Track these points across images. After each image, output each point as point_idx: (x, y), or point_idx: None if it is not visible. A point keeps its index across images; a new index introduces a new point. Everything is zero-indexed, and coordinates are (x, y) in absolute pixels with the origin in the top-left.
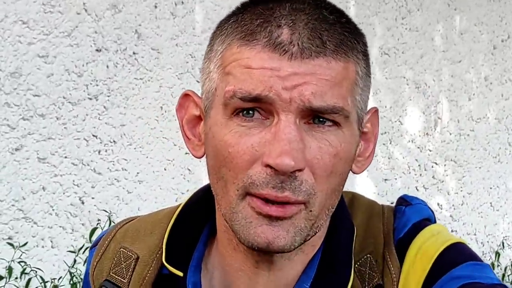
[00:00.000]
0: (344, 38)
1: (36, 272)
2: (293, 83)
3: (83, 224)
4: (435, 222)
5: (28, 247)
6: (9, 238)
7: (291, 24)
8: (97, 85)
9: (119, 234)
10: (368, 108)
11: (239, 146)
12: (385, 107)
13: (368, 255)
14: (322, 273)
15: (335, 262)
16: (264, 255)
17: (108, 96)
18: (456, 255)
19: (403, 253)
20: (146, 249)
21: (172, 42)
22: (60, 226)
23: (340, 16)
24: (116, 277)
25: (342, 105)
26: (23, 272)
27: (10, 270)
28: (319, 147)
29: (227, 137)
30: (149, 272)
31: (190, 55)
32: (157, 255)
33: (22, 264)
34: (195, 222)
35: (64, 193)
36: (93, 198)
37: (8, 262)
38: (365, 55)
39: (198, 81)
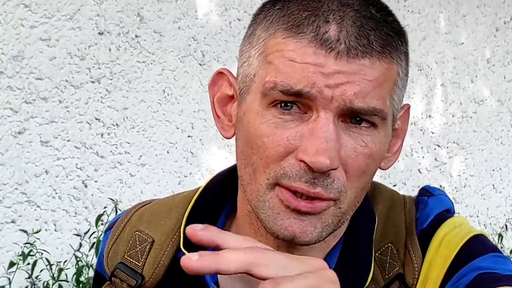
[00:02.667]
0: (390, 38)
1: (42, 254)
2: (336, 82)
3: (86, 208)
4: (454, 212)
5: (31, 230)
6: (13, 222)
7: (339, 20)
8: (99, 68)
9: (134, 217)
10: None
11: (274, 137)
12: None
13: (389, 244)
14: (342, 263)
15: (356, 252)
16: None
17: (111, 79)
18: (478, 246)
19: (426, 243)
20: (162, 233)
21: (175, 25)
22: (63, 210)
23: (387, 15)
24: (131, 260)
25: (382, 107)
26: (28, 254)
27: (23, 255)
28: (354, 147)
29: (262, 126)
30: (164, 256)
31: (193, 37)
32: (173, 239)
33: (28, 246)
34: (213, 207)
35: (67, 177)
36: (96, 181)
37: (21, 247)
38: (407, 55)
39: (200, 64)
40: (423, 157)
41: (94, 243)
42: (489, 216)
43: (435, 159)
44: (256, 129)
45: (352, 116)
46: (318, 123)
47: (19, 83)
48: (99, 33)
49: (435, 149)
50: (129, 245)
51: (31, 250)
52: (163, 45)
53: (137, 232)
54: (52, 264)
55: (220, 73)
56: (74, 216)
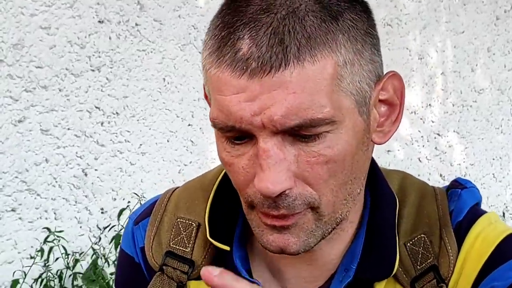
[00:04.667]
0: (313, 31)
1: (59, 240)
2: (261, 106)
3: (86, 196)
4: (480, 205)
5: (31, 219)
6: (13, 210)
7: (253, 32)
8: (99, 56)
9: (170, 206)
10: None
11: (234, 167)
12: None
13: (422, 235)
14: (368, 251)
15: (380, 239)
16: None
17: (111, 67)
18: (511, 247)
19: (462, 237)
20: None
21: (175, 13)
22: (64, 198)
23: (317, 1)
24: (178, 247)
25: (322, 115)
26: (45, 241)
27: (42, 251)
28: (306, 161)
29: (223, 155)
30: None
31: (193, 26)
32: None
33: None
34: (236, 195)
35: (67, 165)
36: (96, 170)
37: (41, 243)
38: (351, 32)
39: (200, 53)
40: (423, 146)
41: (112, 232)
42: (489, 205)
43: (435, 148)
44: (220, 156)
45: (293, 132)
46: (258, 150)
47: (19, 71)
48: (99, 22)
49: (435, 138)
50: (172, 233)
51: (47, 237)
52: (163, 33)
53: (178, 220)
54: (69, 254)
55: (204, 87)
56: (74, 205)
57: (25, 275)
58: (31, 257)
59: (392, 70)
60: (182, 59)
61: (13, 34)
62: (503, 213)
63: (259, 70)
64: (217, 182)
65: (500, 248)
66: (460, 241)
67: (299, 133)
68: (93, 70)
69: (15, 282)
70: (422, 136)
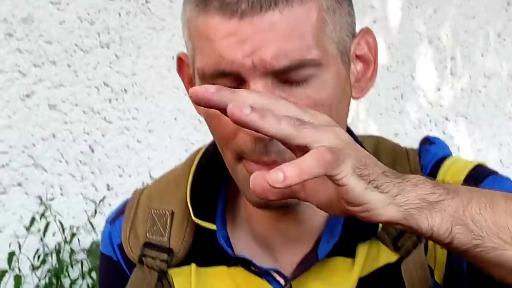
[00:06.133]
0: None
1: (55, 216)
2: (252, 47)
3: (92, 173)
4: None
5: (37, 193)
6: (19, 185)
7: None
8: (109, 33)
9: (142, 200)
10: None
11: (220, 119)
12: (398, 61)
13: None
14: None
15: None
16: None
17: (120, 44)
18: (480, 173)
19: None
20: (179, 203)
21: None
22: (70, 174)
23: None
24: (154, 237)
25: (310, 56)
26: (42, 215)
27: (32, 220)
28: (296, 105)
29: (209, 109)
30: (189, 223)
31: None
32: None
33: (41, 210)
34: (215, 175)
35: (74, 141)
36: (103, 146)
37: (35, 213)
38: None
39: None
40: (431, 130)
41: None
42: None
43: (443, 132)
44: (205, 112)
45: (283, 76)
46: None
47: (28, 46)
48: None
49: (443, 122)
50: (147, 225)
51: (44, 213)
52: (173, 11)
53: (152, 210)
54: (65, 228)
55: (180, 59)
56: (80, 181)
57: (20, 246)
58: (26, 229)
59: (366, 26)
60: None
61: (22, 9)
62: None
63: (249, 10)
64: (193, 167)
65: (467, 180)
66: None
67: (288, 76)
68: (102, 47)
69: (11, 255)
70: (430, 120)
